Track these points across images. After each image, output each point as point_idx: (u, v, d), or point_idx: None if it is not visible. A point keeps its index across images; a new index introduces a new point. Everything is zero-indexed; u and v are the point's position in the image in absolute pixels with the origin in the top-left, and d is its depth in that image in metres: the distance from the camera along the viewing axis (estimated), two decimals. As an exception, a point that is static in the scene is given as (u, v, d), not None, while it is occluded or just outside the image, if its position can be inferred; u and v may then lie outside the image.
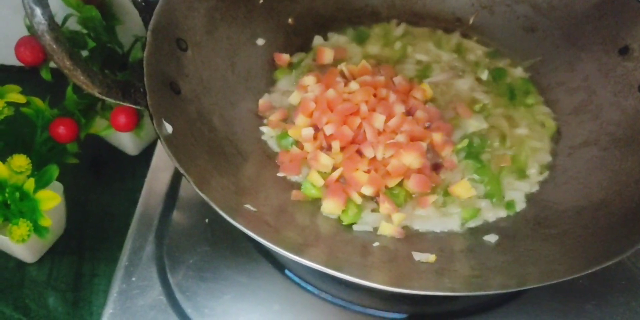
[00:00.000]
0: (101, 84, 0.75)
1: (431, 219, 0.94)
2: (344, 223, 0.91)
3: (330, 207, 0.91)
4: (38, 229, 0.93)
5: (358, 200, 0.92)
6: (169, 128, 0.81)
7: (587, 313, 0.93)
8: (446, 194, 0.96)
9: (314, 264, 0.72)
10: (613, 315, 0.93)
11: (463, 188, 0.95)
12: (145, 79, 0.80)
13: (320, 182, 0.93)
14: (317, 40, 1.13)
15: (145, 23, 0.86)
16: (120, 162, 1.20)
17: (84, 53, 1.08)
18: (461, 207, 0.95)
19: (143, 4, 0.87)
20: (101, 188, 1.17)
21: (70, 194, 1.05)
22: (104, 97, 0.75)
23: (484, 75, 1.10)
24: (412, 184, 0.93)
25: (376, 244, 0.88)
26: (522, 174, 0.99)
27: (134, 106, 0.79)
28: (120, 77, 1.08)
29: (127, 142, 1.17)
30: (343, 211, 0.91)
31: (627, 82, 0.99)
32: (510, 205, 0.96)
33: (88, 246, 1.09)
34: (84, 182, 1.14)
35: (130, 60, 1.12)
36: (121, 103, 0.78)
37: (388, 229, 0.90)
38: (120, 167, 1.20)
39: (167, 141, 0.78)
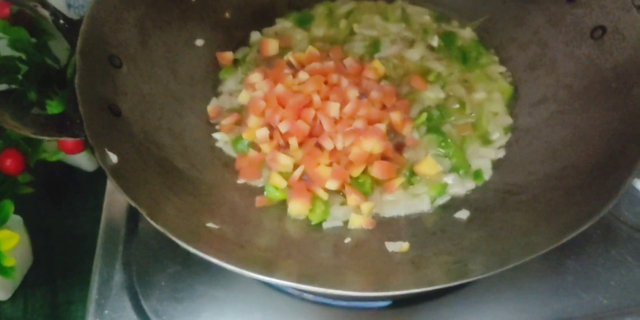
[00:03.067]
0: (34, 124, 0.72)
1: (400, 202, 0.92)
2: (313, 222, 0.89)
3: (297, 208, 0.89)
4: (3, 270, 0.90)
5: (324, 196, 0.90)
6: (113, 158, 0.77)
7: (568, 268, 0.93)
8: (412, 174, 0.94)
9: (287, 282, 0.70)
10: (594, 266, 0.94)
11: (428, 165, 0.93)
12: (80, 108, 0.77)
13: (282, 183, 0.91)
14: (255, 35, 1.09)
15: (72, 46, 0.82)
16: (78, 181, 1.16)
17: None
18: (428, 185, 0.93)
19: (66, 25, 0.82)
20: (63, 211, 1.13)
21: (32, 223, 1.02)
22: (38, 137, 0.72)
23: (434, 42, 1.08)
24: (376, 172, 0.91)
25: (348, 239, 0.87)
26: (485, 140, 0.98)
27: (72, 139, 0.75)
28: (60, 95, 1.03)
29: (82, 159, 1.13)
30: (310, 210, 0.89)
31: (579, 30, 0.97)
32: (478, 174, 0.94)
33: (59, 274, 1.06)
34: (44, 208, 1.10)
35: (68, 75, 1.07)
36: (59, 138, 0.74)
37: (358, 221, 0.89)
38: (78, 186, 1.16)
39: (113, 172, 0.75)
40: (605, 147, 0.86)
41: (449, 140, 0.96)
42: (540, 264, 0.93)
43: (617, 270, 0.93)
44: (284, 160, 0.91)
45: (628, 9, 0.91)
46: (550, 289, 0.91)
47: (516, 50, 1.05)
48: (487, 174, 0.95)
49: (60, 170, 1.15)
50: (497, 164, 0.96)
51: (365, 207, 0.89)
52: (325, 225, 0.89)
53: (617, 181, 0.79)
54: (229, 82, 1.04)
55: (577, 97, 0.95)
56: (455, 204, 0.92)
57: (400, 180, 0.92)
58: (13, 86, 1.06)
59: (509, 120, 0.99)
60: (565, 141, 0.92)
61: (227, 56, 1.05)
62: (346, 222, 0.90)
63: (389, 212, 0.92)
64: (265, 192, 0.91)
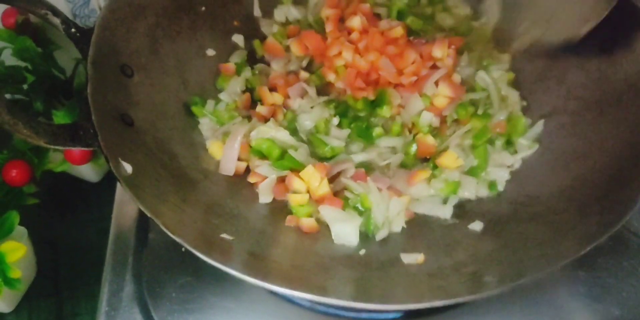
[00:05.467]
0: (46, 133, 0.70)
1: (422, 201, 0.92)
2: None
3: (341, 229, 0.87)
4: (8, 282, 0.89)
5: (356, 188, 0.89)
6: (127, 168, 0.76)
7: (579, 280, 0.92)
8: (434, 166, 0.94)
9: (302, 294, 0.69)
10: (606, 277, 0.93)
11: (450, 158, 0.93)
12: (93, 117, 0.75)
13: (304, 198, 0.89)
14: (237, 38, 1.08)
15: (84, 54, 0.81)
16: (83, 192, 1.15)
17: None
18: (445, 182, 0.92)
19: (78, 34, 0.81)
20: (68, 222, 1.12)
21: (36, 234, 1.00)
22: (51, 146, 0.70)
23: None
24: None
25: (362, 251, 0.86)
26: (510, 146, 0.97)
27: (86, 149, 0.74)
28: (67, 105, 1.02)
29: (87, 170, 1.12)
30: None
31: (588, 42, 0.95)
32: (492, 185, 0.93)
33: (64, 285, 1.05)
34: (49, 219, 1.10)
35: (75, 86, 1.07)
36: (71, 148, 0.73)
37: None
38: (83, 197, 1.15)
39: (128, 183, 0.74)
40: (617, 159, 0.86)
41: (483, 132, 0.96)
42: (552, 275, 0.92)
43: (628, 281, 0.93)
44: (298, 185, 0.89)
45: (638, 21, 0.91)
46: (562, 300, 0.91)
47: (526, 62, 1.04)
48: (502, 185, 0.94)
49: (65, 181, 1.14)
50: (510, 175, 0.95)
51: (403, 201, 0.89)
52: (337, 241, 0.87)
53: (631, 193, 0.78)
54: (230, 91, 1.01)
55: (588, 108, 0.94)
56: (469, 215, 0.91)
57: (426, 173, 0.92)
58: (17, 96, 1.05)
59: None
60: (577, 153, 0.91)
61: (230, 67, 1.03)
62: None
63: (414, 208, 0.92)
64: (293, 212, 0.89)
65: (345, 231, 0.87)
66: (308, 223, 0.88)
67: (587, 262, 0.94)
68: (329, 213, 0.88)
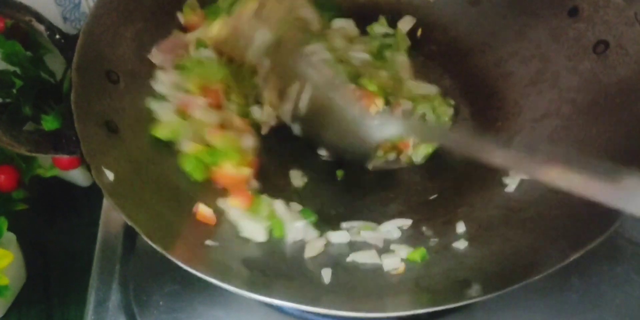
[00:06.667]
0: (28, 142, 0.70)
1: None
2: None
3: None
4: (-4, 290, 0.88)
5: None
6: (110, 175, 0.76)
7: (572, 286, 0.92)
8: None
9: (287, 303, 0.69)
10: (599, 284, 0.92)
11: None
12: (76, 124, 0.75)
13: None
14: None
15: (69, 61, 0.80)
16: (73, 196, 1.15)
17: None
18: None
19: (62, 40, 0.81)
20: (57, 227, 1.12)
21: (25, 240, 1.00)
22: (33, 155, 0.70)
23: None
24: None
25: (349, 258, 0.84)
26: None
27: (68, 156, 0.73)
28: (56, 109, 1.02)
29: (76, 174, 1.12)
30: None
31: (581, 45, 0.95)
32: None
33: (54, 291, 1.04)
34: (38, 224, 1.09)
35: (64, 90, 1.06)
36: (54, 155, 0.73)
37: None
38: (73, 201, 1.15)
39: (110, 191, 0.73)
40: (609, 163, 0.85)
41: None
42: (544, 282, 0.90)
43: (622, 288, 0.92)
44: None
45: (631, 23, 0.89)
46: (554, 308, 0.90)
47: (518, 65, 1.03)
48: None
49: (55, 185, 1.13)
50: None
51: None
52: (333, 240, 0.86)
53: (622, 199, 0.77)
54: None
55: (581, 112, 0.93)
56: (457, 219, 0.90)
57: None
58: (7, 100, 1.04)
59: None
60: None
61: None
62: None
63: None
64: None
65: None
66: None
67: (580, 268, 0.93)
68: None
